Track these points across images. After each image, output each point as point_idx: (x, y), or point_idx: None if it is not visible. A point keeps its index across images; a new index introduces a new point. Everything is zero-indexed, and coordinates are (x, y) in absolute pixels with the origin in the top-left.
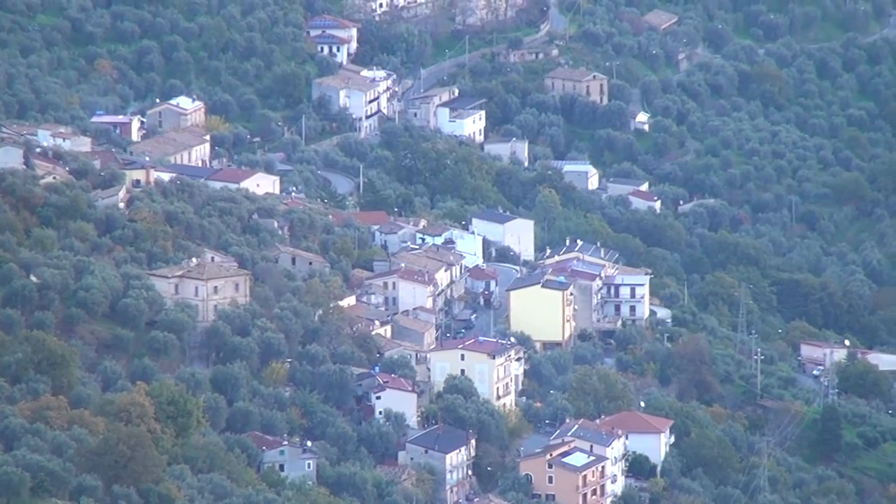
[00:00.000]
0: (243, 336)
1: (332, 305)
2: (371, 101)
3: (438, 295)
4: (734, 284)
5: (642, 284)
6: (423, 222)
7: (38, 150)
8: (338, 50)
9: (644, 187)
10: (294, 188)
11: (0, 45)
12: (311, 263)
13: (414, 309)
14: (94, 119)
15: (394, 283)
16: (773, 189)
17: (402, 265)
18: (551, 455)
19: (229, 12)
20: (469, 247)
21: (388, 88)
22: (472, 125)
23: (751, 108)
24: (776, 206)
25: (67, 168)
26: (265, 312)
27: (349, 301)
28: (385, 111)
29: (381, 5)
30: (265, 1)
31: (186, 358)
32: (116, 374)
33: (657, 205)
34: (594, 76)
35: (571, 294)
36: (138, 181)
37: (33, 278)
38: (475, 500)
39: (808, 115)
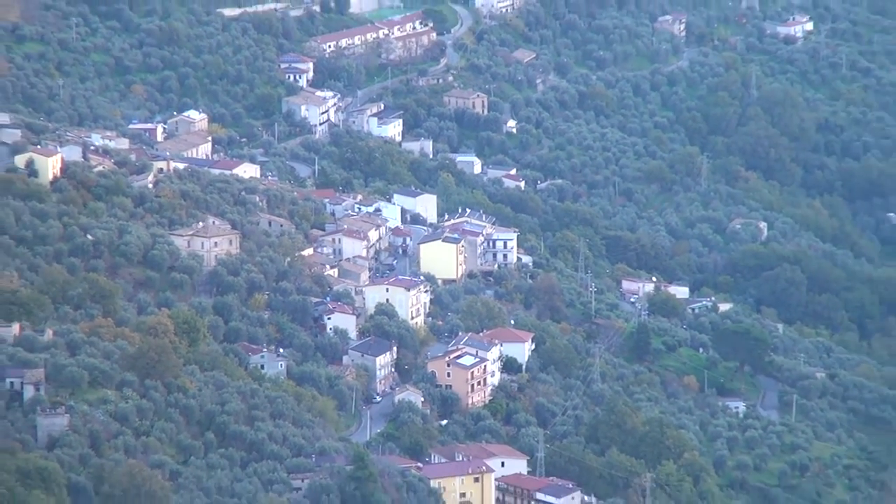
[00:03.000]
0: (235, 276)
1: (296, 255)
2: (323, 113)
3: (370, 247)
4: (575, 239)
5: (511, 239)
6: (359, 196)
7: (92, 148)
8: (300, 77)
9: (513, 172)
10: (270, 174)
11: (66, 74)
12: (281, 226)
13: (353, 257)
14: (131, 126)
15: (339, 239)
16: (602, 173)
17: (345, 226)
18: (449, 358)
19: (224, 51)
20: (391, 214)
21: (335, 104)
22: (393, 129)
23: (587, 116)
24: (604, 185)
25: (112, 160)
26: (250, 260)
27: (308, 251)
28: (333, 120)
29: (329, 46)
30: (249, 43)
31: (196, 291)
32: (147, 303)
33: (522, 184)
34: (478, 95)
35: (463, 246)
36: (161, 169)
37: (89, 237)
38: (396, 388)
39: (627, 122)
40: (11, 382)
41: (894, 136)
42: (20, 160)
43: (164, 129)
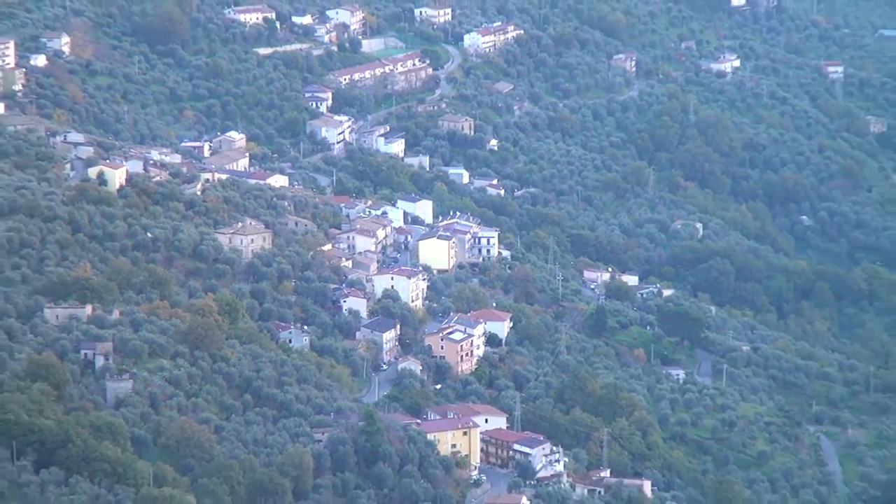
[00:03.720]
0: (268, 267)
1: (318, 249)
2: (340, 134)
3: (378, 243)
4: (546, 237)
5: (493, 237)
6: (369, 202)
7: (151, 162)
8: (320, 104)
9: (494, 182)
10: (296, 183)
11: (130, 102)
12: (306, 225)
13: (364, 251)
14: (183, 144)
15: (353, 237)
16: (567, 182)
17: (358, 226)
18: (442, 333)
19: (259, 83)
20: (395, 216)
21: (349, 126)
22: (397, 147)
23: (555, 136)
24: (570, 192)
25: (168, 172)
26: (280, 253)
27: (327, 247)
28: (347, 139)
29: (345, 79)
30: (279, 77)
31: (236, 279)
32: (196, 288)
33: (502, 192)
34: (466, 119)
35: (454, 242)
36: (208, 179)
37: (149, 234)
38: (399, 358)
39: (588, 141)
40: (85, 353)
41: (806, 153)
42: (92, 172)
43: (210, 146)
